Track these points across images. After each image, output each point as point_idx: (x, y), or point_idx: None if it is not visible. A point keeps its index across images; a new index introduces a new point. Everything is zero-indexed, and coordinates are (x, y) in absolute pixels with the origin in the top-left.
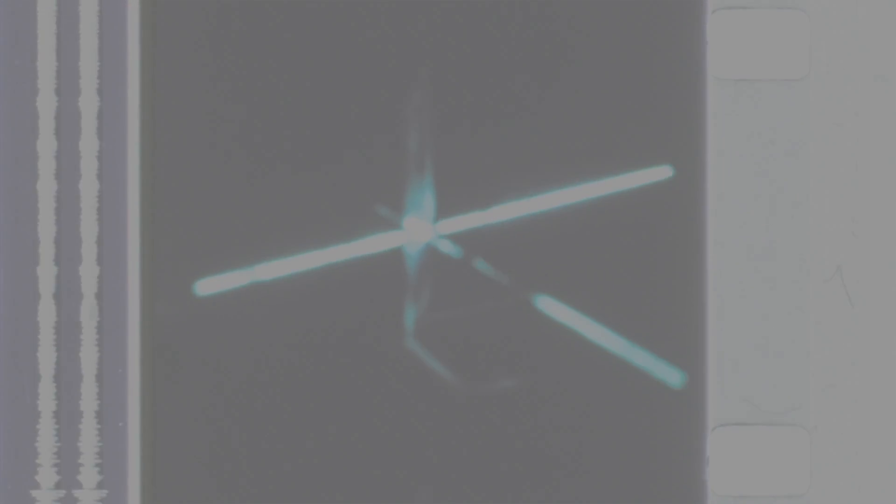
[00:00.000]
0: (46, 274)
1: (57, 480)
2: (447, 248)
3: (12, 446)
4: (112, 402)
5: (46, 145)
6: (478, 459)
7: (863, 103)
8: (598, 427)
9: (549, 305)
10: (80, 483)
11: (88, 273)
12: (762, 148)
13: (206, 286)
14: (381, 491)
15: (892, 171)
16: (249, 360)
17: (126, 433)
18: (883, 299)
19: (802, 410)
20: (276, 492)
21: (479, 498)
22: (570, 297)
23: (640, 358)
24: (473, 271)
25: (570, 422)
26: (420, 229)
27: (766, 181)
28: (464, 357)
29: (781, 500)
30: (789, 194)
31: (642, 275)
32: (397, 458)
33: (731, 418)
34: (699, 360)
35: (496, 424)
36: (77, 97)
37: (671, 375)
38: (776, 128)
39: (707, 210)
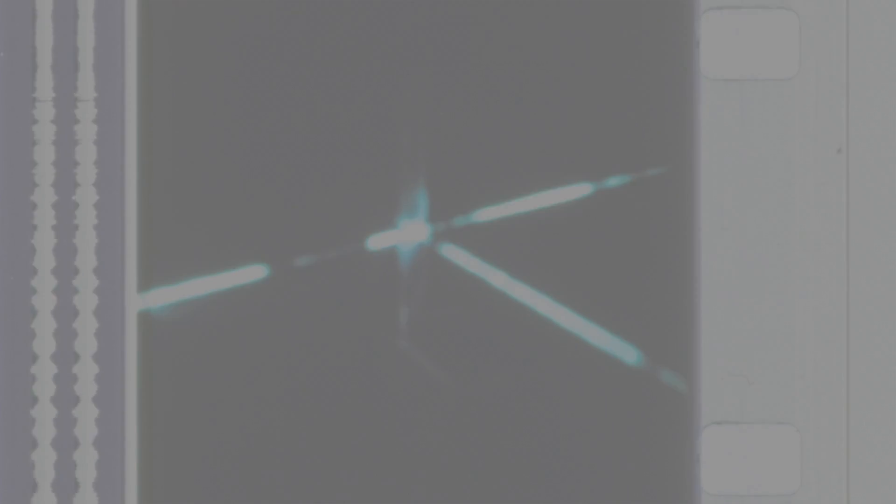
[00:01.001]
0: (44, 280)
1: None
2: (441, 247)
3: (9, 453)
4: (109, 407)
5: (43, 147)
6: (471, 460)
7: (852, 104)
8: (590, 426)
9: (542, 305)
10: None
11: (85, 278)
12: (752, 148)
13: (199, 287)
14: (376, 491)
15: (883, 171)
16: (242, 361)
17: (123, 439)
18: (876, 298)
19: (793, 409)
20: (272, 492)
21: (469, 497)
22: (562, 297)
23: (632, 356)
24: (467, 271)
25: (561, 421)
26: (414, 229)
27: (755, 181)
28: (457, 357)
29: (772, 500)
30: (779, 194)
31: (634, 274)
32: (391, 459)
33: (722, 417)
34: (690, 359)
35: (489, 425)
36: (73, 108)
37: (665, 374)
38: (766, 128)
39: (698, 209)
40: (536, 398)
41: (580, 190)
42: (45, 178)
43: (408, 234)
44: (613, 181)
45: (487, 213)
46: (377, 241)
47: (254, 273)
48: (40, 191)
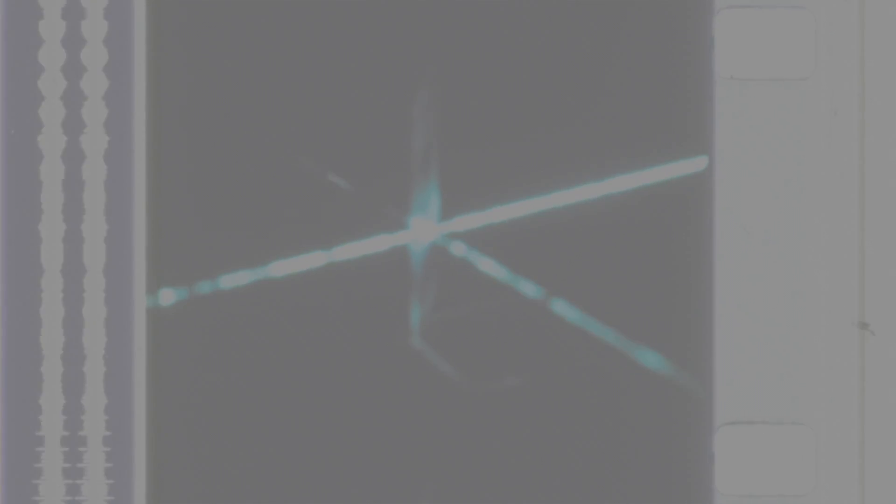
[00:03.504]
0: (50, 278)
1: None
2: (452, 247)
3: (15, 452)
4: (116, 403)
5: (51, 143)
6: (482, 458)
7: (867, 102)
8: (603, 426)
9: (554, 304)
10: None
11: (92, 275)
12: (768, 147)
13: (211, 285)
14: (386, 490)
15: None
16: (254, 359)
17: (132, 438)
18: (891, 299)
19: (808, 409)
20: (281, 491)
21: (483, 497)
22: (575, 296)
23: (646, 357)
24: (478, 270)
25: (575, 421)
26: (425, 228)
27: (771, 180)
28: (469, 356)
29: (787, 500)
30: (795, 193)
31: (648, 273)
32: (402, 457)
33: (737, 417)
34: (706, 360)
35: (501, 423)
36: (82, 104)
37: (677, 373)
38: (782, 127)
39: (714, 209)
40: (549, 398)
41: (593, 190)
42: (53, 177)
43: (420, 233)
44: (629, 180)
45: (499, 213)
46: (389, 241)
47: (266, 272)
48: (47, 191)
